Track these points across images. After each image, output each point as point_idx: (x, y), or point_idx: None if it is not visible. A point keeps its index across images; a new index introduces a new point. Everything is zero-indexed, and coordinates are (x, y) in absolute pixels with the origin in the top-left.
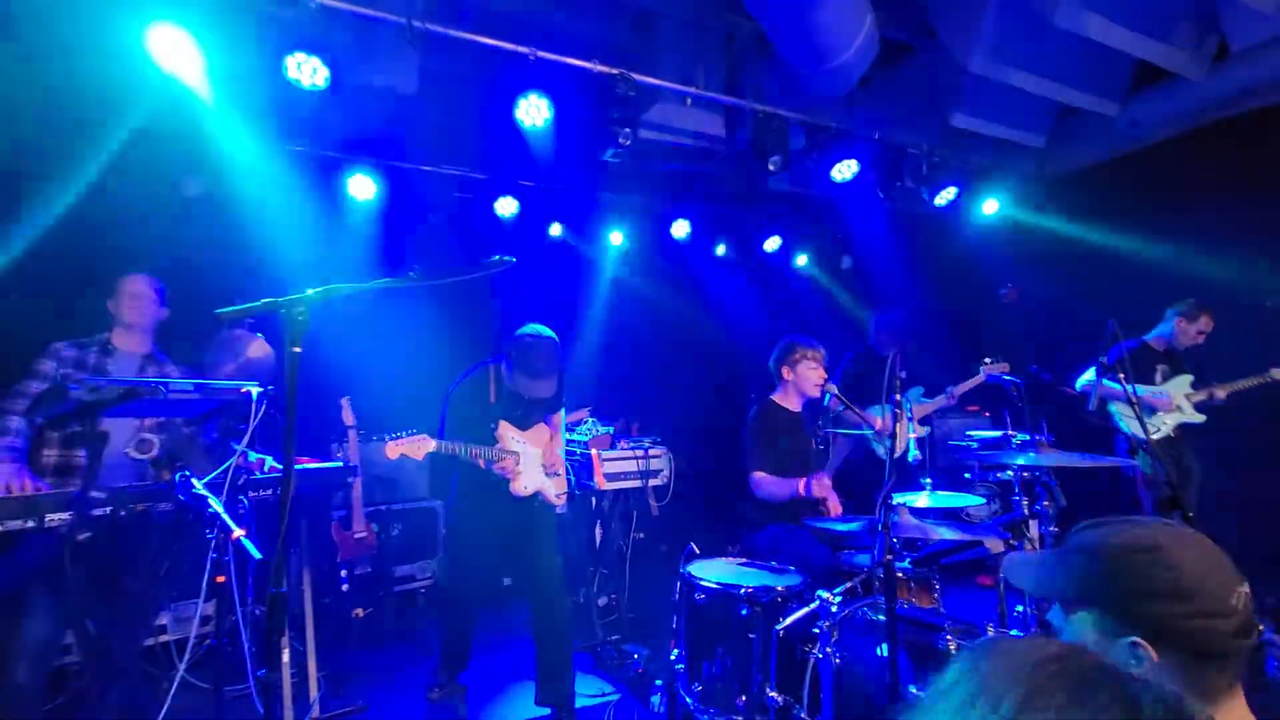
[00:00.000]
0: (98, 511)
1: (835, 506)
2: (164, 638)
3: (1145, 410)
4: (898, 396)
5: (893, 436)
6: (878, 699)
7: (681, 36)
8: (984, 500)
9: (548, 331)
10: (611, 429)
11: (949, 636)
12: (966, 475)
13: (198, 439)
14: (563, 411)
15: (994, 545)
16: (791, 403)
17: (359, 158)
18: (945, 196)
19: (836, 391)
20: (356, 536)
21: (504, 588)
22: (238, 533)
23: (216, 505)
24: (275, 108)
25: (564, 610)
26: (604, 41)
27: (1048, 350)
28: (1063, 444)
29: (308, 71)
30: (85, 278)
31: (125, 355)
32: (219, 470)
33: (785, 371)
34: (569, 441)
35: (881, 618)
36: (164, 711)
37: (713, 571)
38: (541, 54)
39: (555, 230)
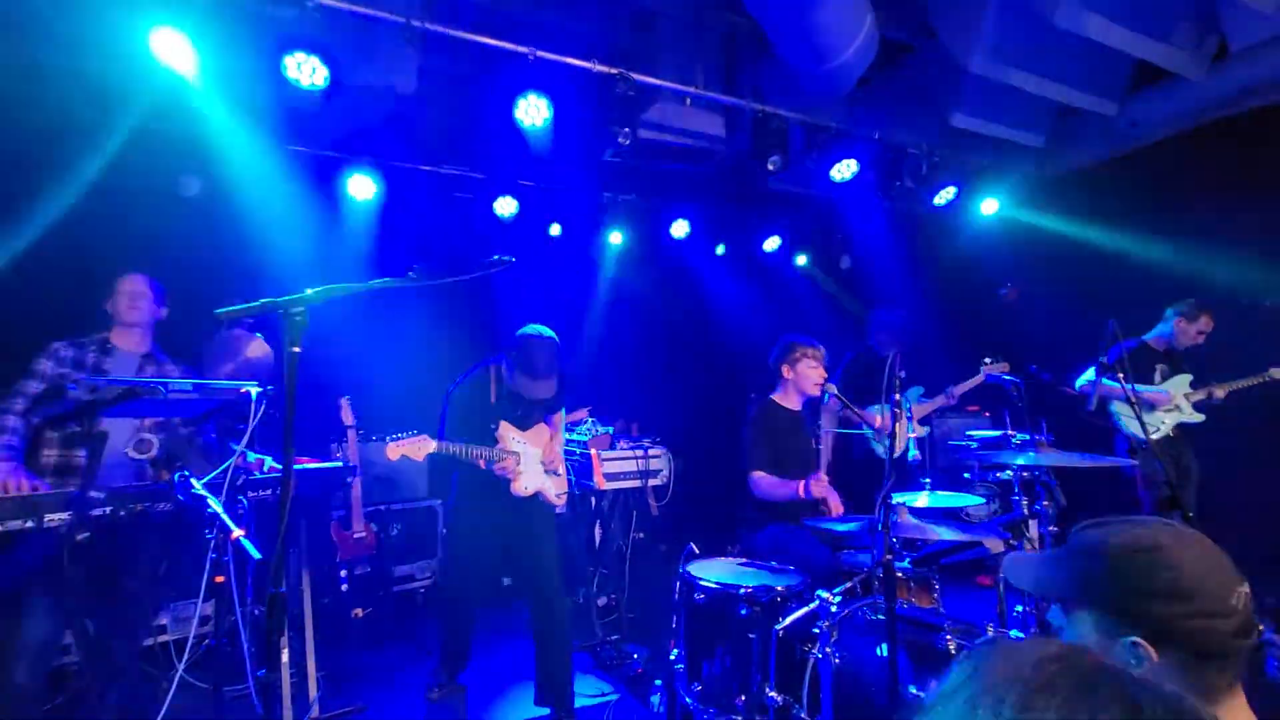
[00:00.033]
0: (97, 511)
1: (836, 506)
2: (163, 638)
3: (1144, 409)
4: (897, 396)
5: (892, 436)
6: (877, 699)
7: (681, 36)
8: (983, 500)
9: (548, 332)
10: (611, 429)
11: (948, 636)
12: (966, 475)
13: (197, 439)
14: (562, 411)
15: (993, 545)
16: (791, 402)
17: (358, 157)
18: (945, 196)
19: (836, 391)
20: (356, 536)
21: (504, 588)
22: (237, 533)
23: (216, 505)
24: (274, 107)
25: (563, 610)
26: (603, 41)
27: (1047, 350)
28: (1062, 444)
29: (307, 71)
30: (84, 277)
31: (124, 355)
32: (218, 470)
33: (785, 370)
34: (568, 441)
35: (881, 617)
36: (163, 711)
37: (712, 571)
38: (541, 54)
39: (555, 230)
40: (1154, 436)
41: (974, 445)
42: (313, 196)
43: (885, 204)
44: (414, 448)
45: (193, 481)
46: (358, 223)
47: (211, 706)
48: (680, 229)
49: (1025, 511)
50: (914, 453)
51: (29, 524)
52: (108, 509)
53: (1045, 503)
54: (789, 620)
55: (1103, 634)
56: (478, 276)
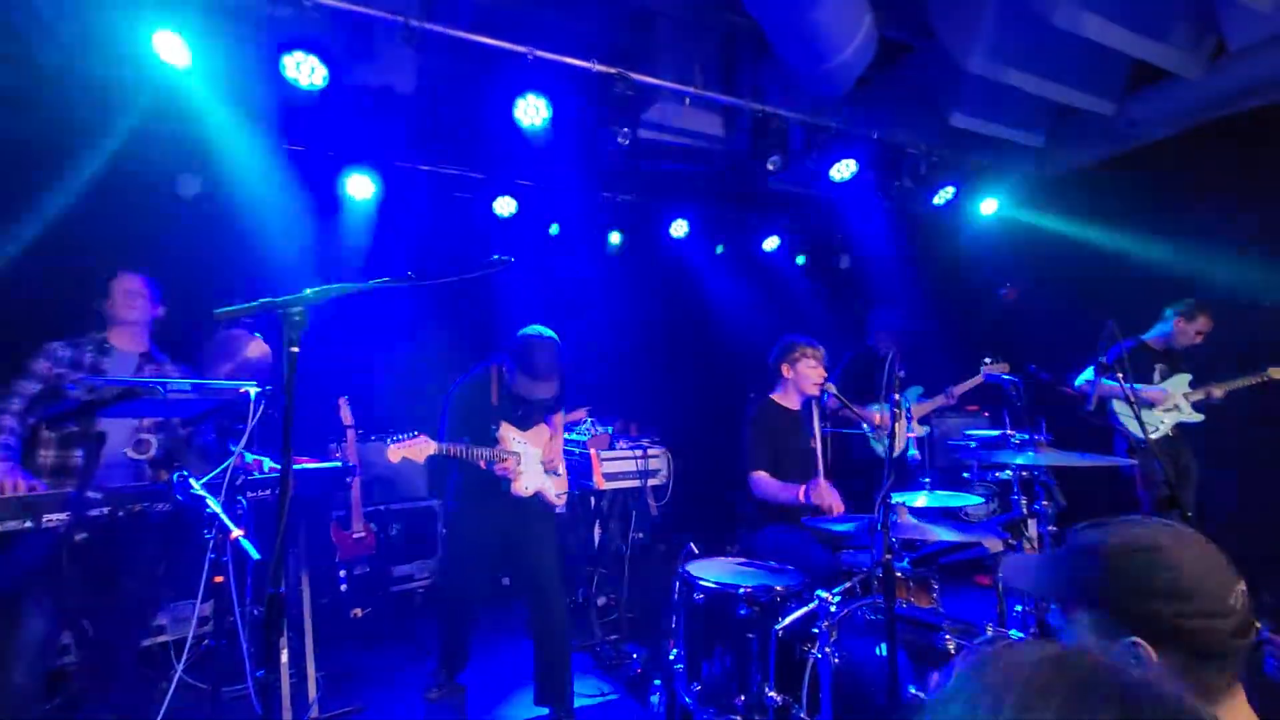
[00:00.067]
0: (95, 512)
1: (837, 506)
2: (162, 638)
3: (1143, 409)
4: (896, 395)
5: (891, 435)
6: (877, 699)
7: (680, 36)
8: (982, 500)
9: (550, 332)
10: (610, 429)
11: (948, 636)
12: (965, 475)
13: (195, 439)
14: (562, 411)
15: (992, 545)
16: (791, 402)
17: (357, 157)
18: (944, 196)
19: (835, 391)
20: (355, 536)
21: (503, 588)
22: (236, 533)
23: (215, 505)
24: (273, 107)
25: (562, 610)
26: (602, 41)
27: (1046, 349)
28: (1062, 444)
29: (305, 71)
30: (83, 278)
31: (121, 354)
32: (217, 470)
33: (785, 370)
34: (567, 441)
35: (880, 617)
36: (162, 712)
37: (712, 571)
38: (540, 53)
39: (554, 230)
40: (1153, 436)
41: (973, 445)
42: (311, 196)
43: (884, 204)
44: (415, 449)
45: (191, 482)
46: (356, 222)
47: (210, 707)
48: (679, 229)
49: (1024, 511)
50: (913, 452)
51: (27, 524)
52: (106, 509)
53: (1044, 502)
54: (788, 620)
55: (1102, 634)
56: (476, 276)
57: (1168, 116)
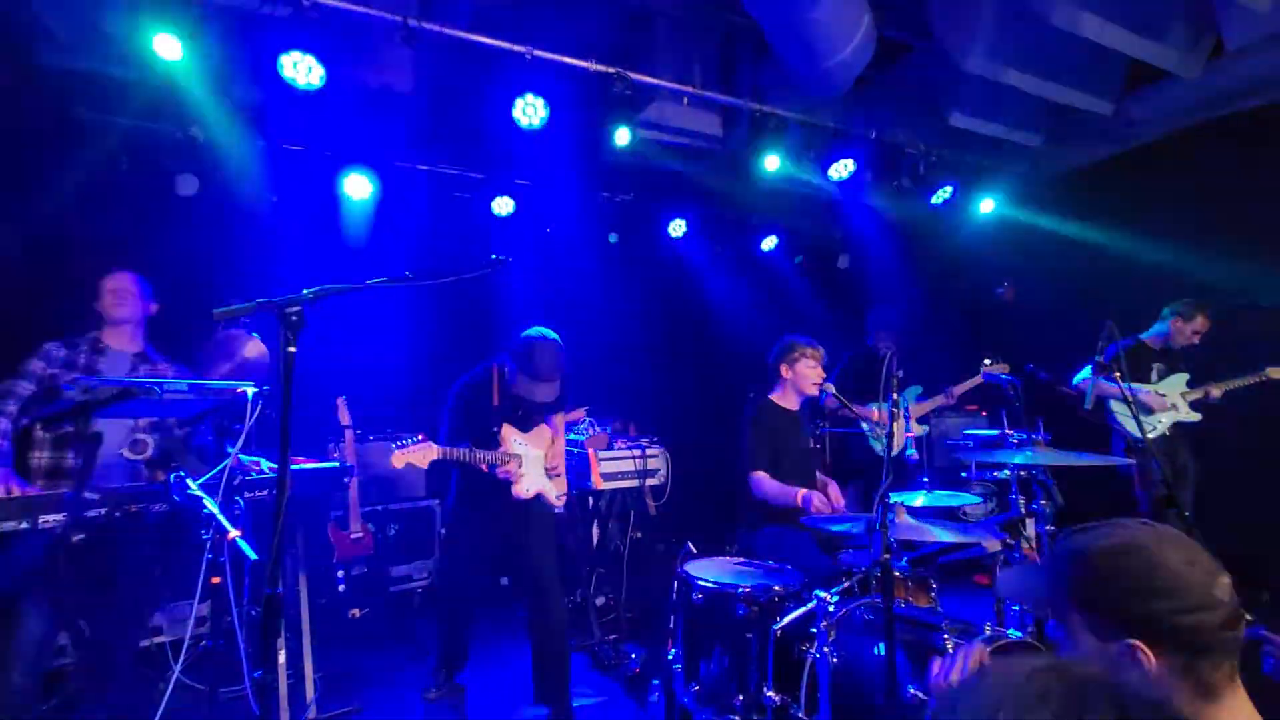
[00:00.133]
0: (92, 512)
1: (836, 498)
2: (159, 639)
3: (1141, 409)
4: (895, 395)
5: (889, 435)
6: (875, 698)
7: (678, 35)
8: (980, 499)
9: (552, 334)
10: (608, 429)
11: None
12: (963, 474)
13: (192, 440)
14: (563, 412)
15: (990, 544)
16: (789, 402)
17: (355, 157)
18: (942, 196)
19: (834, 391)
20: (353, 537)
21: (502, 588)
22: (233, 533)
23: (212, 506)
24: (271, 107)
25: (561, 610)
26: (601, 40)
27: (1044, 349)
28: (1060, 443)
29: (303, 70)
30: (80, 277)
31: (116, 354)
32: (214, 471)
33: (784, 370)
34: (565, 441)
35: (879, 617)
36: (159, 713)
37: (710, 571)
38: (538, 53)
39: (551, 230)
40: (1150, 435)
41: (970, 445)
42: (309, 196)
43: (883, 203)
44: (419, 455)
45: (189, 482)
46: (355, 222)
47: (208, 708)
48: (678, 228)
49: (1022, 510)
50: (911, 451)
51: (24, 525)
52: (103, 510)
53: (1042, 502)
54: (787, 620)
55: (1098, 639)
56: (474, 276)
57: (1166, 116)
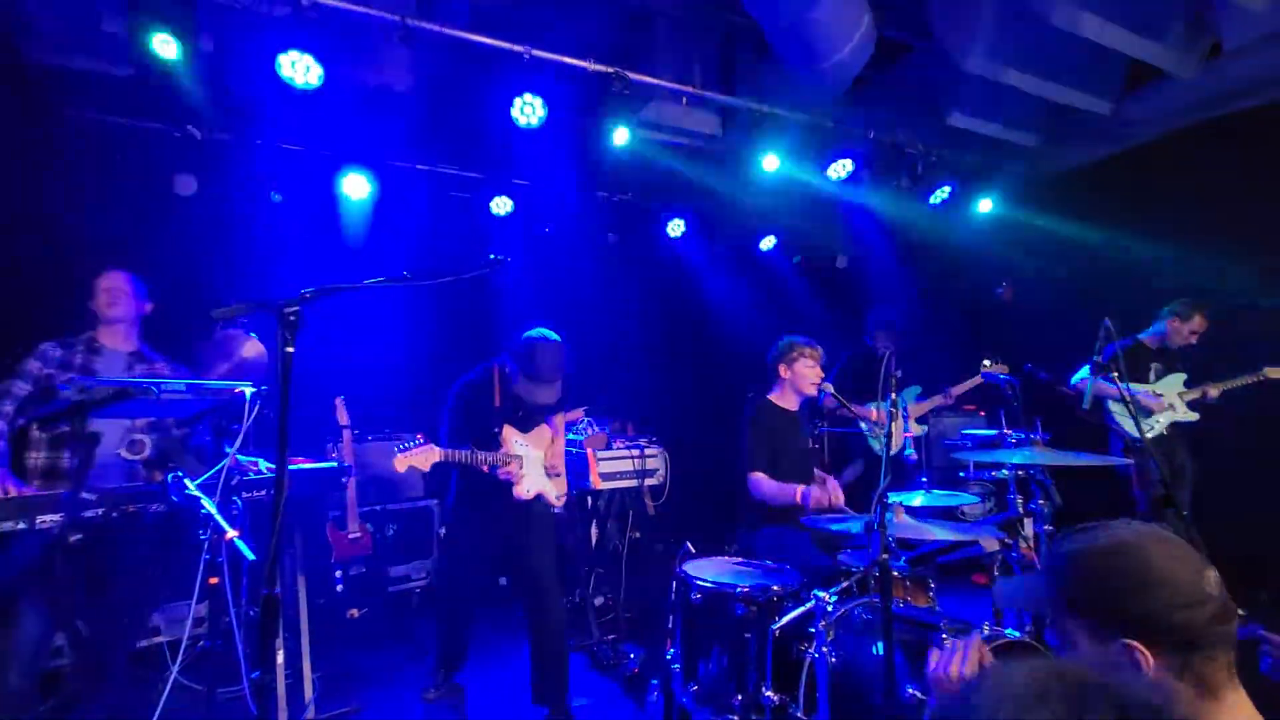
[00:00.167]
0: (89, 513)
1: (835, 492)
2: (157, 639)
3: (1139, 409)
4: (893, 395)
5: (888, 435)
6: (874, 698)
7: (678, 35)
8: (978, 499)
9: (554, 335)
10: (607, 428)
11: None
12: (961, 474)
13: (190, 440)
14: (563, 412)
15: (989, 544)
16: (788, 402)
17: (353, 157)
18: (941, 195)
19: (833, 391)
20: (351, 537)
21: (501, 588)
22: (231, 534)
23: (210, 506)
24: (269, 106)
25: (560, 610)
26: (600, 40)
27: (1043, 348)
28: (1058, 443)
29: (301, 70)
30: (78, 277)
31: (111, 353)
32: (212, 471)
33: (783, 370)
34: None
35: (877, 616)
36: (157, 713)
37: (709, 571)
38: (537, 52)
39: (551, 229)
40: (1148, 435)
41: (969, 445)
42: (308, 196)
43: (882, 203)
44: (421, 457)
45: (186, 482)
46: (353, 222)
47: (205, 708)
48: (676, 228)
49: (1020, 510)
50: (910, 451)
51: (21, 525)
52: (100, 510)
53: (1041, 501)
54: (785, 620)
55: (1096, 640)
56: (473, 276)
57: (1164, 116)
